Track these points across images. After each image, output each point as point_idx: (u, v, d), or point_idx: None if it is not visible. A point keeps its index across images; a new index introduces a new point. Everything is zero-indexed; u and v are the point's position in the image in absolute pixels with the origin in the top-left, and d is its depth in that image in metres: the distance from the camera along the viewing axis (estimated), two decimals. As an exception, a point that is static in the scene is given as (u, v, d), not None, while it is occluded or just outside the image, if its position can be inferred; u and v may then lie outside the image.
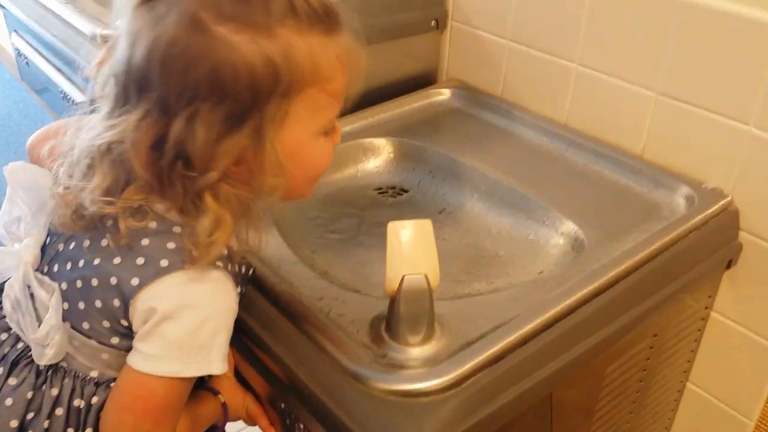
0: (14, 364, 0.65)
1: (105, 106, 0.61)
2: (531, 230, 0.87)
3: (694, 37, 0.83)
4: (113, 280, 0.61)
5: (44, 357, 0.63)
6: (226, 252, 0.63)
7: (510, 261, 0.84)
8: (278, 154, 0.60)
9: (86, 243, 0.63)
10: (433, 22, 1.14)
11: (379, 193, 0.99)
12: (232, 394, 0.75)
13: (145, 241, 0.61)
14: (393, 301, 0.63)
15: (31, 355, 0.64)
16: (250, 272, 0.69)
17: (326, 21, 0.61)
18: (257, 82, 0.57)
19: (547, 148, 1.00)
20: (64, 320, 0.63)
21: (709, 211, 0.83)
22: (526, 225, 0.88)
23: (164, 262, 0.60)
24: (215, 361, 0.62)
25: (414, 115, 1.10)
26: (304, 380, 0.65)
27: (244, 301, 0.66)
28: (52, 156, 0.66)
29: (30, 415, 0.63)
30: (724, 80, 0.82)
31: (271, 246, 0.78)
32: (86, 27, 0.93)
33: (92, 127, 0.61)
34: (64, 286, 0.63)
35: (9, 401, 0.63)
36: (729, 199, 0.85)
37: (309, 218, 0.92)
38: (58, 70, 1.02)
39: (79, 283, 0.62)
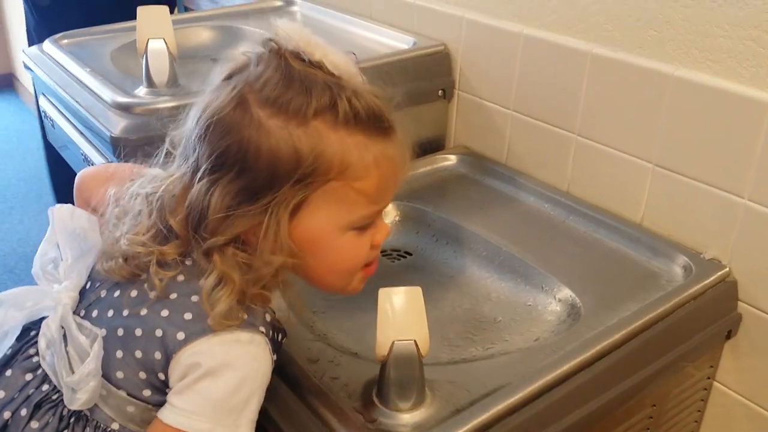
0: (37, 406, 0.65)
1: (164, 164, 0.68)
2: (530, 296, 0.89)
3: (687, 112, 0.86)
4: (158, 332, 0.62)
5: (75, 402, 0.63)
6: (269, 318, 0.65)
7: (507, 326, 0.85)
8: (292, 237, 0.63)
9: (133, 293, 0.65)
10: (440, 91, 1.18)
11: (383, 255, 1.00)
12: None
13: (194, 298, 0.63)
14: (383, 366, 0.64)
15: (55, 399, 0.65)
16: (283, 340, 0.70)
17: (369, 124, 0.63)
18: (277, 165, 0.61)
19: (549, 214, 1.02)
20: None
21: (707, 281, 0.84)
22: (524, 291, 0.89)
23: (210, 320, 0.61)
24: (243, 426, 0.61)
25: (420, 179, 1.13)
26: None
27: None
28: (105, 202, 0.70)
29: None
30: (717, 154, 0.84)
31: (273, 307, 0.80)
32: (107, 94, 0.98)
33: (150, 179, 0.67)
34: (103, 332, 0.64)
35: None
36: (727, 269, 0.86)
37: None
38: (80, 133, 1.07)
39: (120, 332, 0.64)
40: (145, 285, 0.65)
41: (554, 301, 0.86)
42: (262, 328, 0.63)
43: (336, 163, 0.62)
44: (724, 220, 0.85)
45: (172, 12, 2.15)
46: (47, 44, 1.21)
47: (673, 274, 0.87)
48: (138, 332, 0.63)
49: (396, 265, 0.99)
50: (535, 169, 1.09)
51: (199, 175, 0.62)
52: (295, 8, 1.47)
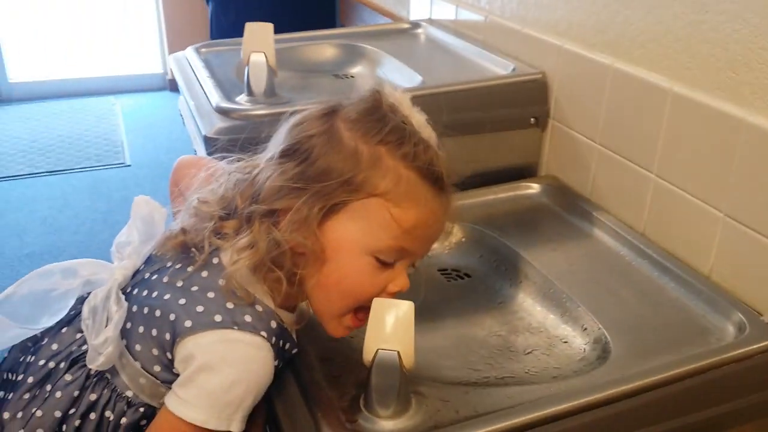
0: (74, 362, 0.76)
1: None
2: (567, 333, 0.87)
3: (759, 162, 0.79)
4: (172, 316, 0.71)
5: (95, 361, 0.73)
6: (274, 325, 0.71)
7: (534, 360, 0.84)
8: (320, 234, 0.69)
9: (166, 279, 0.74)
10: (532, 119, 1.17)
11: (443, 274, 1.03)
12: None
13: (210, 294, 0.71)
14: (368, 372, 0.68)
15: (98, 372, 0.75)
16: (293, 351, 0.76)
17: (425, 171, 0.70)
18: (333, 162, 0.69)
19: (618, 254, 0.98)
20: (123, 338, 0.73)
21: (758, 345, 0.77)
22: (564, 328, 0.88)
23: (218, 317, 0.69)
24: (236, 421, 0.68)
25: (500, 205, 1.13)
26: (284, 425, 0.71)
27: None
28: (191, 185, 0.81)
29: (71, 411, 0.74)
30: (787, 209, 0.77)
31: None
32: (214, 98, 1.11)
33: (241, 164, 0.77)
34: (135, 308, 0.74)
35: (59, 394, 0.74)
36: (788, 337, 0.78)
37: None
38: (192, 130, 1.20)
39: (146, 310, 0.73)
40: (183, 265, 0.73)
41: (589, 342, 0.83)
42: (264, 333, 0.70)
43: (385, 183, 0.69)
44: (791, 282, 0.78)
45: (331, 26, 2.32)
46: (189, 51, 1.37)
47: (725, 332, 0.81)
48: (157, 313, 0.71)
49: (452, 284, 1.01)
50: (616, 206, 1.05)
51: (271, 160, 0.72)
52: (419, 30, 1.53)
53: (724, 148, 0.84)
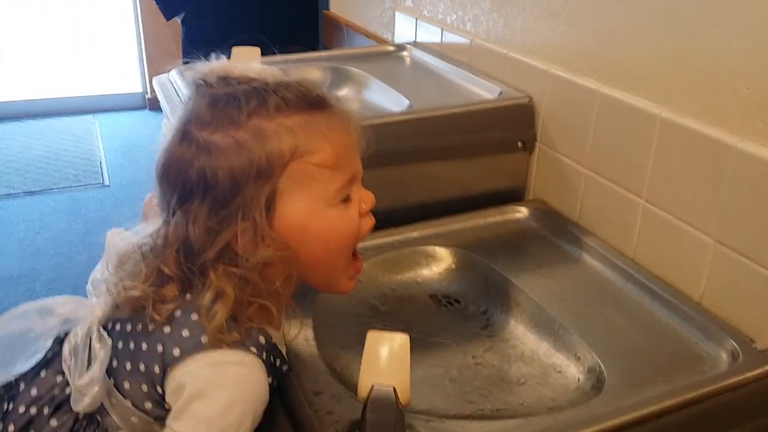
0: (58, 406, 0.72)
1: None
2: (561, 362, 0.86)
3: (747, 188, 0.80)
4: (159, 348, 0.67)
5: (80, 404, 0.70)
6: (263, 341, 0.68)
7: (528, 390, 0.83)
8: (280, 231, 0.67)
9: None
10: (519, 143, 1.17)
11: (433, 300, 1.02)
12: None
13: (194, 316, 0.67)
14: (363, 408, 0.66)
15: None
16: (284, 369, 0.73)
17: (302, 103, 0.68)
18: (234, 171, 0.66)
19: (608, 280, 0.98)
20: (109, 376, 0.70)
21: (751, 373, 0.77)
22: (557, 356, 0.87)
23: (204, 338, 0.66)
24: None
25: (488, 229, 1.12)
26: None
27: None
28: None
29: None
30: (778, 236, 0.77)
31: (299, 337, 0.85)
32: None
33: (147, 232, 0.72)
34: (120, 344, 0.71)
35: None
36: (781, 363, 0.78)
37: (356, 314, 0.97)
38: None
39: (131, 345, 0.70)
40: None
41: (582, 371, 0.83)
42: (254, 349, 0.67)
43: (285, 147, 0.67)
44: (783, 309, 0.78)
45: (314, 49, 2.32)
46: (173, 73, 1.35)
47: (719, 360, 0.80)
48: (143, 346, 0.68)
49: (443, 311, 1.00)
50: (605, 231, 1.05)
51: (171, 212, 0.67)
52: (405, 53, 1.53)
53: (713, 174, 0.84)
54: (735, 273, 0.83)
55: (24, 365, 0.74)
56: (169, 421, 0.67)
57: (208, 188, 0.66)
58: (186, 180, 0.66)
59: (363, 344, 0.89)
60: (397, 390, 0.64)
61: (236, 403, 0.65)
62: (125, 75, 3.96)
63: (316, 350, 0.83)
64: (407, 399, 0.66)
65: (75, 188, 3.04)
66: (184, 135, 0.68)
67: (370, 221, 0.74)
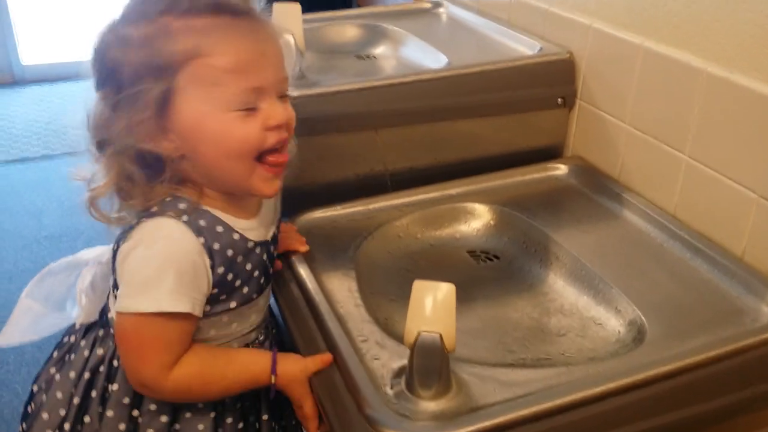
0: (88, 329, 0.83)
1: None
2: (601, 315, 0.87)
3: (797, 142, 0.79)
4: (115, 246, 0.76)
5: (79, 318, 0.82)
6: (183, 206, 0.73)
7: (568, 341, 0.84)
8: (175, 127, 0.71)
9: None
10: (559, 99, 1.17)
11: (472, 255, 1.03)
12: (291, 362, 0.77)
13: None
14: (410, 354, 0.68)
15: (99, 323, 0.82)
16: (249, 245, 0.77)
17: (213, 9, 0.70)
18: (134, 62, 0.69)
19: (649, 236, 0.98)
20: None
21: (794, 326, 0.77)
22: (597, 309, 0.88)
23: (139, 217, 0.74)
24: (165, 300, 0.69)
25: (527, 186, 1.13)
26: (327, 410, 0.72)
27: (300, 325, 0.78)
28: None
29: (83, 369, 0.80)
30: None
31: (342, 288, 0.87)
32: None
33: None
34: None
35: (73, 357, 0.82)
36: (825, 317, 0.78)
37: (396, 268, 0.99)
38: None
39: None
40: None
41: (623, 324, 0.84)
42: (171, 213, 0.72)
43: (187, 45, 0.69)
44: (828, 263, 0.78)
45: (347, 6, 2.30)
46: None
47: (760, 312, 0.81)
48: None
49: (481, 266, 1.01)
50: (646, 188, 1.05)
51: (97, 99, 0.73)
52: (441, 10, 1.52)
53: (759, 130, 0.83)
54: (779, 228, 0.83)
55: (73, 308, 0.84)
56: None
57: (116, 77, 0.70)
58: (104, 66, 0.71)
59: (404, 296, 0.92)
60: (443, 336, 0.66)
61: (151, 258, 0.71)
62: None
63: (360, 300, 0.85)
64: (452, 345, 0.67)
65: (112, 149, 3.09)
66: (110, 27, 0.72)
67: (276, 135, 0.73)
